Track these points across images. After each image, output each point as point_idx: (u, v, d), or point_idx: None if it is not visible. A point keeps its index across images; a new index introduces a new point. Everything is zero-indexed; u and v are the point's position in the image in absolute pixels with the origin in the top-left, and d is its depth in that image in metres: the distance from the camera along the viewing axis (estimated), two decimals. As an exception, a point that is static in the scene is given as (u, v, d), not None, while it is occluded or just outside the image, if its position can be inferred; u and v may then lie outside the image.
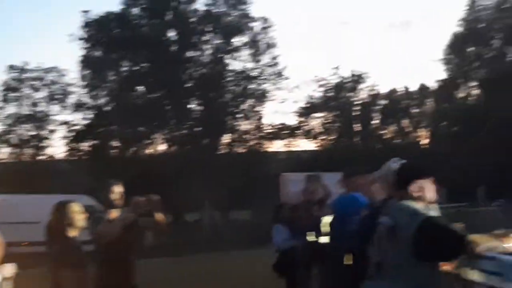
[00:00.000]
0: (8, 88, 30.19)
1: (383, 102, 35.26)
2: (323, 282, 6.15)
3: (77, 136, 29.88)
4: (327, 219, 5.95)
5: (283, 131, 32.02)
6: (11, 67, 30.36)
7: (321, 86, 33.10)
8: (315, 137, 33.44)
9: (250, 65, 30.24)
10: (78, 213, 4.43)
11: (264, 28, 30.18)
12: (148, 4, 28.87)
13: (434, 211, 3.35)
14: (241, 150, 30.29)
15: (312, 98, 33.21)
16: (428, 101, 35.98)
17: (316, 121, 33.58)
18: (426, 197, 3.35)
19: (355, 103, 34.19)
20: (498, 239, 3.34)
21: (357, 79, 33.84)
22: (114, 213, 4.55)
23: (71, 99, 30.53)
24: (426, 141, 35.45)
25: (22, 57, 69.35)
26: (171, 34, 29.33)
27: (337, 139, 33.47)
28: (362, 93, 34.41)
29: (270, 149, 31.37)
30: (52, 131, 31.09)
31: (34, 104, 30.79)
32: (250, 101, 30.31)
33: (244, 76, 30.01)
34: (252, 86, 30.20)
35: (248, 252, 13.94)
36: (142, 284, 4.74)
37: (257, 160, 29.27)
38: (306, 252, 6.40)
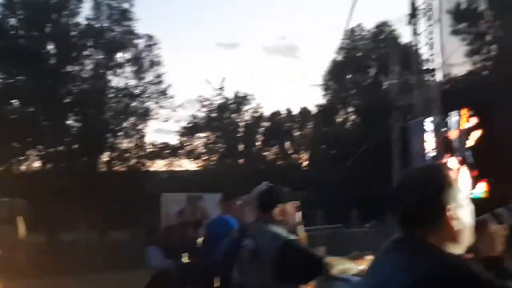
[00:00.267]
0: None
1: (266, 124, 35.97)
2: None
3: None
4: (201, 241, 5.94)
5: (165, 150, 31.66)
6: None
7: (204, 106, 33.17)
8: (197, 157, 33.40)
9: (133, 82, 29.71)
10: None
11: (149, 45, 29.85)
12: (27, 15, 27.62)
13: (295, 235, 3.44)
14: (121, 168, 29.57)
15: (195, 118, 33.20)
16: (309, 125, 37.14)
17: (199, 141, 33.59)
18: (288, 221, 3.45)
19: (239, 124, 34.58)
20: (353, 261, 3.45)
21: (241, 100, 34.29)
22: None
23: None
24: (307, 163, 36.51)
25: None
26: (50, 47, 28.20)
27: (220, 159, 33.62)
28: (246, 115, 34.92)
29: (151, 168, 30.88)
30: None
31: None
32: (131, 119, 29.72)
33: (126, 93, 29.38)
34: (135, 103, 29.67)
35: (124, 273, 13.60)
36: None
37: (137, 179, 28.67)
38: (179, 273, 6.33)
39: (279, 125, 36.23)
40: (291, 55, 49.98)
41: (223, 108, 33.41)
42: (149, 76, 29.91)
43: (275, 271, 3.19)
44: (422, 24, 12.28)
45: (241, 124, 34.66)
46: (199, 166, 33.39)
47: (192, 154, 33.20)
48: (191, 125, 33.00)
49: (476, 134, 9.84)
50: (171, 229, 7.07)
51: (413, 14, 12.39)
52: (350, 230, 20.49)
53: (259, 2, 50.19)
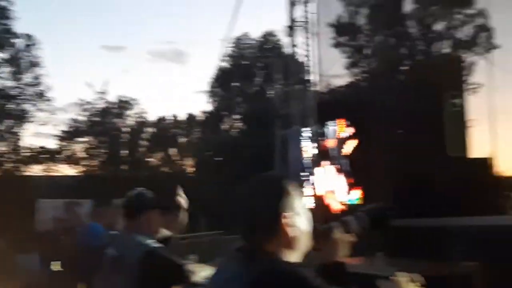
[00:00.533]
0: None
1: (151, 129, 35.49)
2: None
3: None
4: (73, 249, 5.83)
5: (43, 155, 30.35)
6: None
7: (86, 110, 32.17)
8: (77, 162, 32.30)
9: (9, 83, 28.29)
10: None
11: (28, 45, 28.56)
12: None
13: (158, 243, 3.39)
14: (-5, 173, 28.06)
15: (75, 122, 32.09)
16: (195, 131, 37.09)
17: (79, 145, 32.50)
18: (153, 229, 3.42)
19: (122, 129, 33.88)
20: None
21: (125, 105, 33.62)
22: None
23: None
24: (192, 169, 36.40)
25: None
26: None
27: (102, 165, 32.73)
28: (130, 120, 34.28)
29: (28, 173, 29.51)
30: None
31: None
32: (7, 122, 28.28)
33: (2, 94, 27.97)
34: (11, 105, 28.26)
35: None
36: None
37: (13, 184, 27.26)
38: (50, 281, 6.25)
39: (165, 131, 35.89)
40: (178, 60, 49.71)
41: (105, 112, 32.58)
42: (27, 77, 28.67)
43: (138, 280, 3.13)
44: (300, 36, 12.65)
45: (125, 129, 33.97)
46: (79, 172, 32.27)
47: (71, 159, 32.05)
48: (71, 129, 31.86)
49: (352, 143, 10.17)
50: (45, 236, 6.86)
51: (291, 26, 12.73)
52: (230, 237, 20.62)
53: (145, 6, 49.46)
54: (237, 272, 1.79)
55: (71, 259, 5.73)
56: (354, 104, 10.96)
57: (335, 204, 2.93)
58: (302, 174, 10.12)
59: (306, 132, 10.42)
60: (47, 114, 29.25)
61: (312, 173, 9.73)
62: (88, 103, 32.05)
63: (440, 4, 24.76)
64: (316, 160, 9.85)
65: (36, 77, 28.72)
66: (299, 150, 10.70)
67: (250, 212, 1.89)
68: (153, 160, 35.67)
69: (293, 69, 12.81)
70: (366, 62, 26.78)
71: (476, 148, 11.56)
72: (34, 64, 28.70)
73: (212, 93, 35.53)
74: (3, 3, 27.39)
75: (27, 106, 28.69)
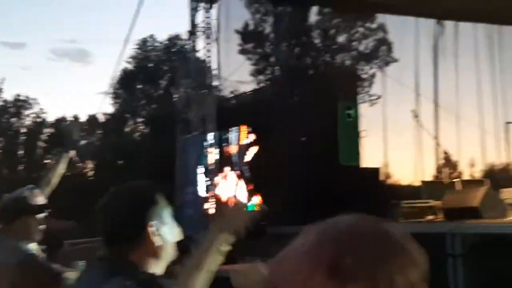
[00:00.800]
0: None
1: (49, 130, 34.23)
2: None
3: None
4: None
5: None
6: None
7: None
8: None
9: None
10: None
11: None
12: None
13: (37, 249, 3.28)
14: None
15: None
16: (97, 133, 36.11)
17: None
18: (30, 235, 3.25)
19: (19, 129, 32.49)
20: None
21: (22, 104, 32.28)
22: None
23: None
24: (93, 172, 35.41)
25: None
26: None
27: (-3, 166, 31.26)
28: (27, 120, 32.93)
29: None
30: None
31: None
32: None
33: None
34: None
35: None
36: None
37: None
38: None
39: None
40: (81, 60, 48.37)
41: (1, 111, 31.13)
42: None
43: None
44: (201, 42, 12.70)
45: (22, 130, 32.58)
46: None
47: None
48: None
49: (253, 150, 10.43)
50: None
51: (193, 31, 12.75)
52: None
53: (48, 3, 47.73)
54: (93, 283, 1.76)
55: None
56: (258, 111, 11.13)
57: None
58: (205, 180, 10.14)
59: (210, 138, 10.48)
60: None
61: (213, 179, 9.80)
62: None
63: (343, 17, 25.59)
64: (218, 166, 9.97)
65: None
66: (198, 156, 10.72)
67: (115, 221, 1.86)
68: (50, 161, 34.38)
69: (195, 74, 12.81)
70: (271, 70, 27.17)
71: (369, 158, 12.05)
72: None
73: (115, 95, 34.78)
74: None
75: None
